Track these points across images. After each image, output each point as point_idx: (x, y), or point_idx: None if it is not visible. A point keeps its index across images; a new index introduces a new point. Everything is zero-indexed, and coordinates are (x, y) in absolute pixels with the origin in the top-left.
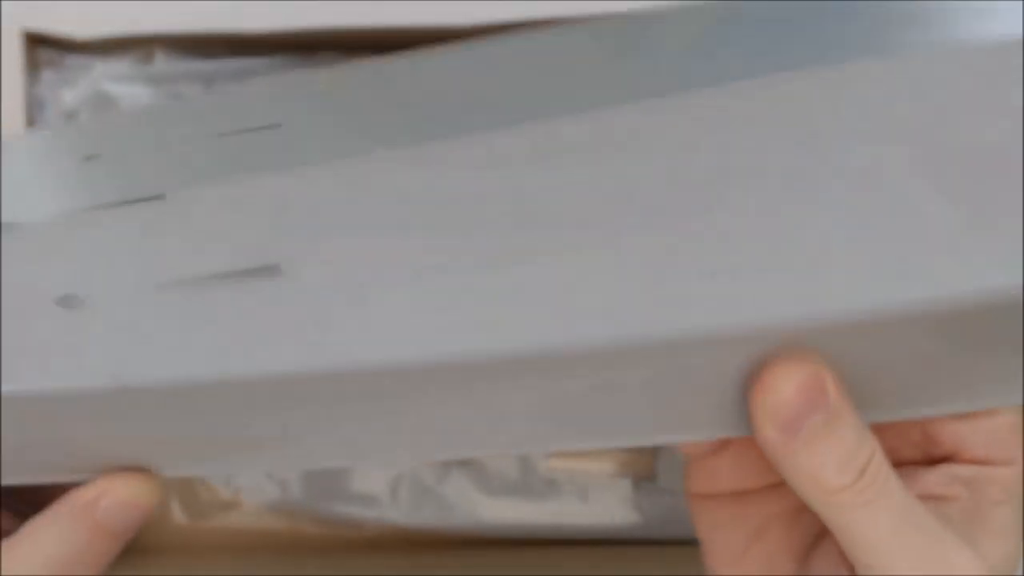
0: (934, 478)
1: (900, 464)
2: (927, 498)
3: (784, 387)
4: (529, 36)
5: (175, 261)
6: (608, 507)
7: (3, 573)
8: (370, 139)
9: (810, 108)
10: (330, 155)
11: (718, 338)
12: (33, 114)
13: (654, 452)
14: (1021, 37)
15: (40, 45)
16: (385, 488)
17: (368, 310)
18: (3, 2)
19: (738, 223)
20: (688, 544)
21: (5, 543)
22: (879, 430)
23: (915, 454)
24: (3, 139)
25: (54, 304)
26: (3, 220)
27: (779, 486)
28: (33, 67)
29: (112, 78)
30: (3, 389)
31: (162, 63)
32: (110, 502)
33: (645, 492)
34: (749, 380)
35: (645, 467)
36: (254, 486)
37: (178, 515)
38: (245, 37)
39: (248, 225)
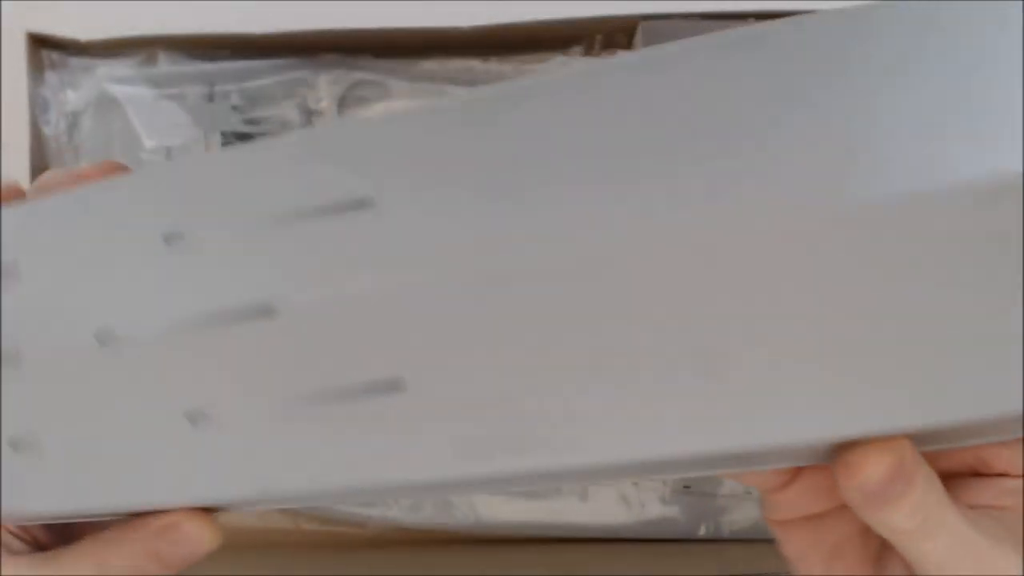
0: (988, 491)
1: (955, 476)
2: (981, 507)
3: (874, 472)
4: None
5: (297, 376)
6: (607, 506)
7: (61, 573)
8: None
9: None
10: (444, 240)
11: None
12: (36, 115)
13: None
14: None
15: (44, 47)
16: None
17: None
18: (7, 4)
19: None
20: (686, 542)
21: (68, 548)
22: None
23: (968, 470)
24: (72, 196)
25: (183, 418)
26: (101, 327)
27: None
28: (37, 69)
29: (115, 80)
30: (135, 504)
31: (165, 64)
32: (179, 536)
33: (644, 491)
34: (833, 446)
35: None
36: None
37: None
38: (247, 39)
39: (364, 337)
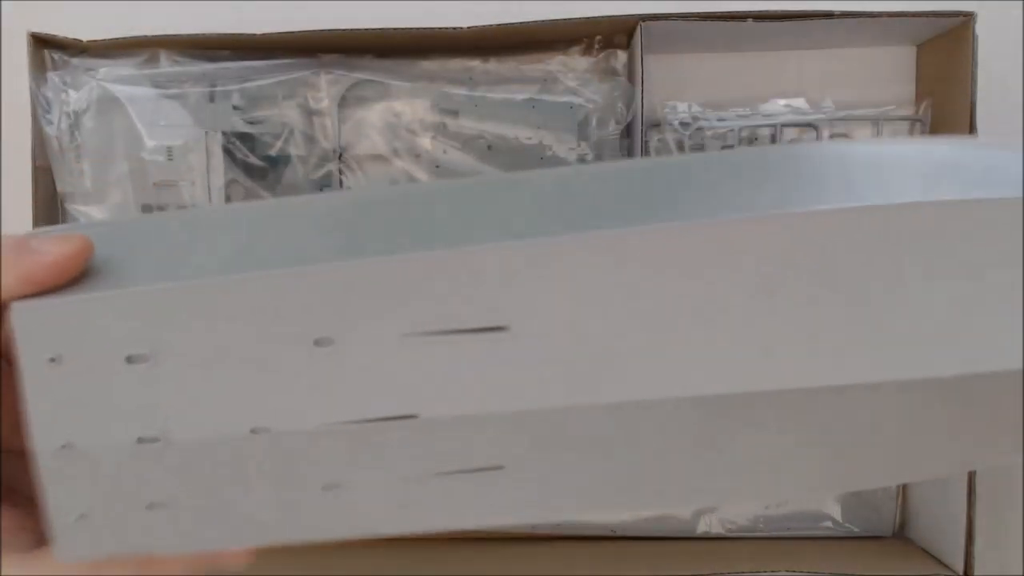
0: None
1: None
2: None
3: None
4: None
5: (426, 462)
6: None
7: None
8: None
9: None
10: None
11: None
12: (39, 114)
13: None
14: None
15: (46, 47)
16: None
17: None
18: (9, 4)
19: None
20: (686, 540)
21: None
22: None
23: None
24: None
25: (321, 490)
26: (256, 421)
27: None
28: (39, 69)
29: (117, 79)
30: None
31: (166, 65)
32: None
33: None
34: None
35: None
36: None
37: None
38: (248, 39)
39: (481, 441)
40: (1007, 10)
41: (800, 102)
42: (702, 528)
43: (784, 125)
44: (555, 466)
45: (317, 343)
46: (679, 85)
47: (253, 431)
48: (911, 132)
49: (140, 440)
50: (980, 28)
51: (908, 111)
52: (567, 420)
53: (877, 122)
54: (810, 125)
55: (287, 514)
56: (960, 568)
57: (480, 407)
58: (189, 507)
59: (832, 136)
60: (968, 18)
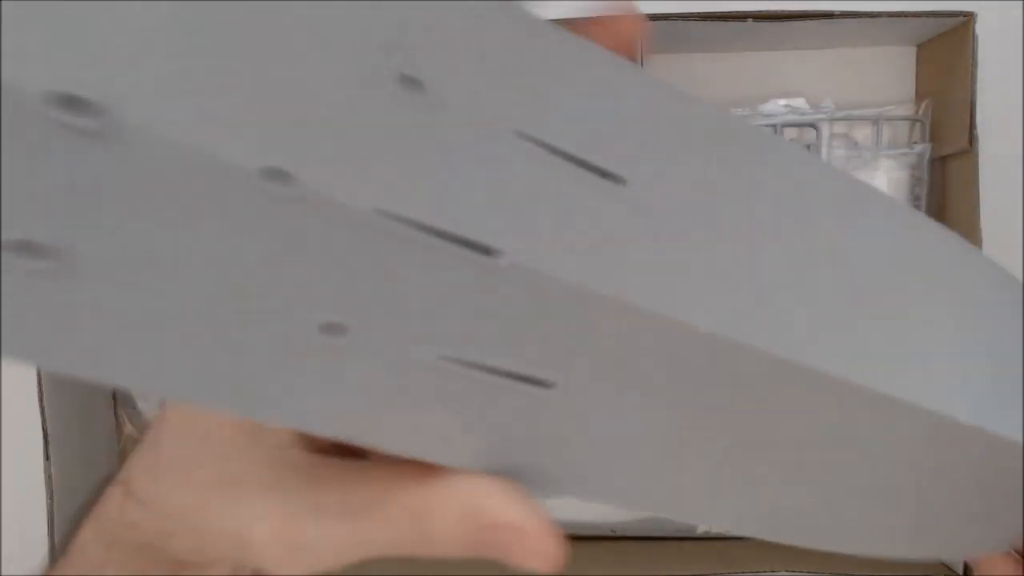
0: None
1: None
2: None
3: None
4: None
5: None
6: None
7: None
8: None
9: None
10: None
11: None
12: None
13: None
14: None
15: None
16: None
17: None
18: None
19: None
20: (685, 540)
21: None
22: None
23: None
24: None
25: None
26: None
27: None
28: None
29: None
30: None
31: None
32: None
33: None
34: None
35: None
36: None
37: None
38: None
39: None
40: (1007, 10)
41: (800, 102)
42: (702, 528)
43: (784, 125)
44: (617, 410)
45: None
46: (679, 85)
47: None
48: (911, 132)
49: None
50: (980, 28)
51: (908, 111)
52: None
53: (877, 122)
54: (810, 125)
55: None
56: (960, 568)
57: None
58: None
59: (832, 136)
60: (968, 18)
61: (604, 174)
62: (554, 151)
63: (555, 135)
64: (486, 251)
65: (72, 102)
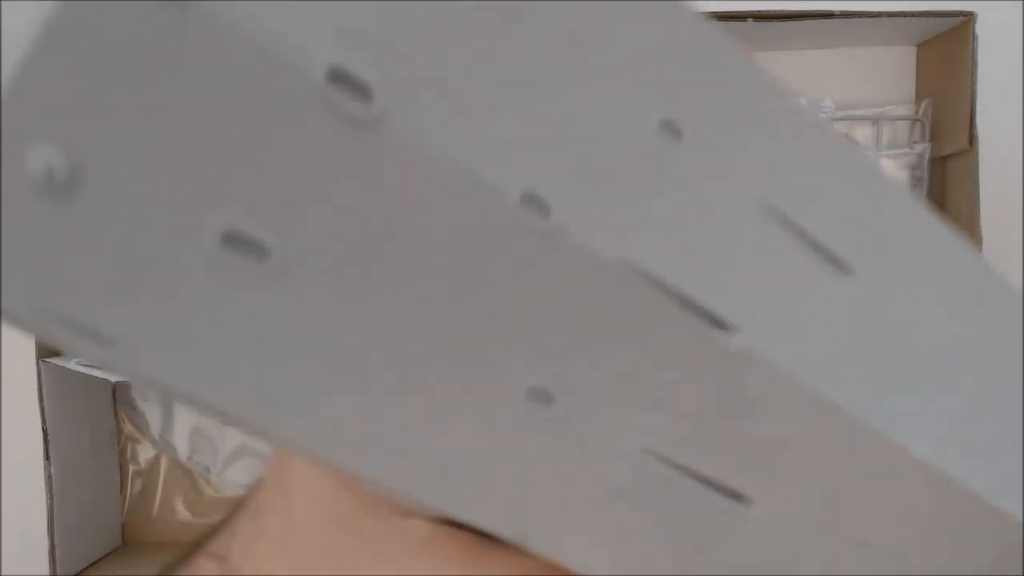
0: None
1: None
2: None
3: None
4: None
5: None
6: None
7: None
8: None
9: None
10: None
11: None
12: None
13: None
14: None
15: None
16: None
17: None
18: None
19: None
20: None
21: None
22: None
23: None
24: None
25: None
26: None
27: None
28: None
29: None
30: None
31: None
32: None
33: None
34: None
35: None
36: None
37: (182, 512)
38: None
39: None
40: (1007, 10)
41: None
42: None
43: None
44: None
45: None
46: None
47: None
48: (911, 132)
49: None
50: (980, 28)
51: (908, 111)
52: None
53: (877, 122)
54: None
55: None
56: None
57: None
58: None
59: None
60: (968, 18)
61: (837, 262)
62: (792, 228)
63: (796, 210)
64: (721, 325)
65: (348, 81)
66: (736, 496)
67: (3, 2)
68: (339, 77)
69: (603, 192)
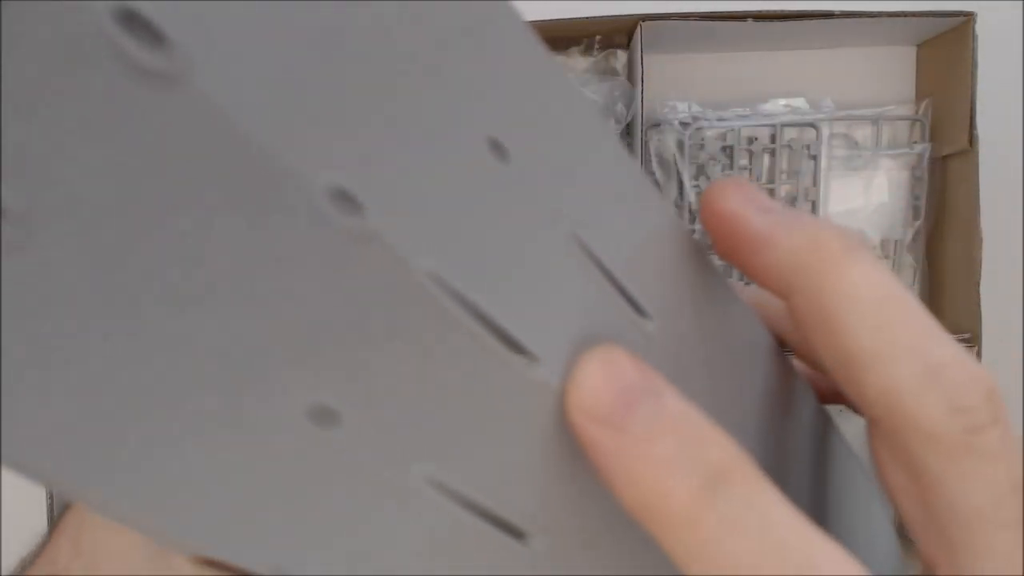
0: None
1: None
2: None
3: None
4: None
5: None
6: None
7: None
8: None
9: None
10: None
11: None
12: None
13: None
14: None
15: None
16: None
17: None
18: None
19: None
20: None
21: None
22: None
23: None
24: None
25: None
26: None
27: None
28: None
29: None
30: None
31: None
32: None
33: None
34: None
35: None
36: None
37: None
38: None
39: None
40: (1007, 10)
41: (800, 102)
42: None
43: (784, 125)
44: None
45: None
46: (679, 85)
47: None
48: (911, 132)
49: None
50: (980, 28)
51: (908, 111)
52: None
53: (877, 122)
54: (810, 125)
55: None
56: None
57: None
58: None
59: (832, 136)
60: (968, 18)
61: (636, 307)
62: (600, 267)
63: (603, 249)
64: (522, 352)
65: (139, 24)
66: (516, 532)
67: (3, 2)
68: (130, 18)
69: (421, 202)
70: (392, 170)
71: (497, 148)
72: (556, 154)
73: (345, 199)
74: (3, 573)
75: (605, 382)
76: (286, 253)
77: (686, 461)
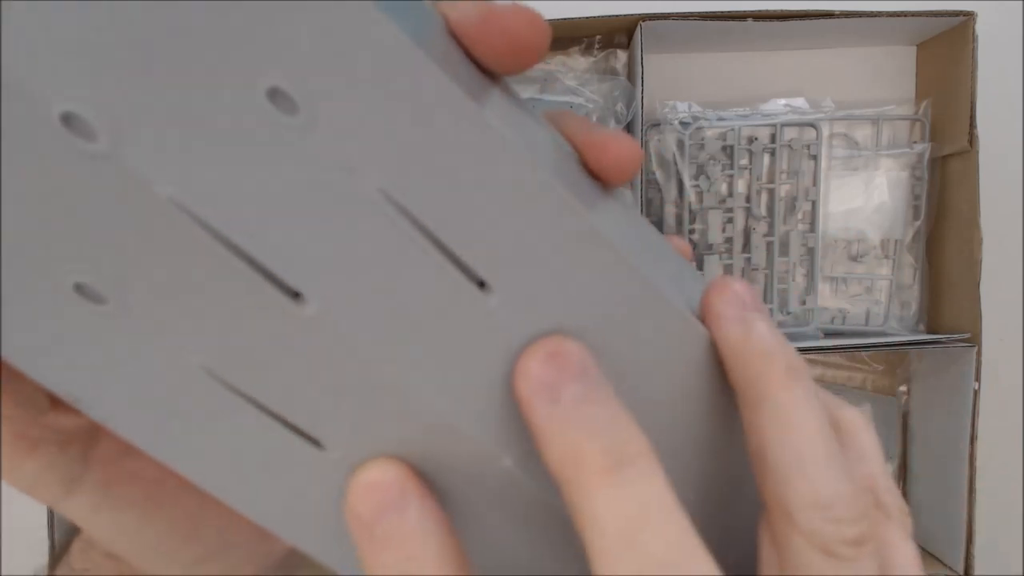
0: None
1: None
2: None
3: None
4: None
5: None
6: None
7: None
8: None
9: None
10: None
11: None
12: None
13: None
14: None
15: None
16: None
17: None
18: None
19: None
20: None
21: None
22: None
23: None
24: None
25: None
26: None
27: None
28: None
29: None
30: None
31: None
32: None
33: None
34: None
35: None
36: None
37: None
38: None
39: None
40: (1008, 10)
41: (800, 101)
42: None
43: (784, 124)
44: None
45: None
46: (679, 85)
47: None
48: (911, 131)
49: None
50: (980, 28)
51: (908, 110)
52: None
53: (877, 121)
54: (810, 124)
55: None
56: (960, 568)
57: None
58: None
59: (832, 135)
60: (968, 18)
61: (466, 271)
62: (417, 225)
63: (421, 207)
64: (292, 294)
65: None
66: (312, 439)
67: (2, 2)
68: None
69: (175, 134)
70: (141, 102)
71: (280, 96)
72: (359, 106)
73: (78, 124)
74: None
75: (553, 361)
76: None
77: (603, 438)
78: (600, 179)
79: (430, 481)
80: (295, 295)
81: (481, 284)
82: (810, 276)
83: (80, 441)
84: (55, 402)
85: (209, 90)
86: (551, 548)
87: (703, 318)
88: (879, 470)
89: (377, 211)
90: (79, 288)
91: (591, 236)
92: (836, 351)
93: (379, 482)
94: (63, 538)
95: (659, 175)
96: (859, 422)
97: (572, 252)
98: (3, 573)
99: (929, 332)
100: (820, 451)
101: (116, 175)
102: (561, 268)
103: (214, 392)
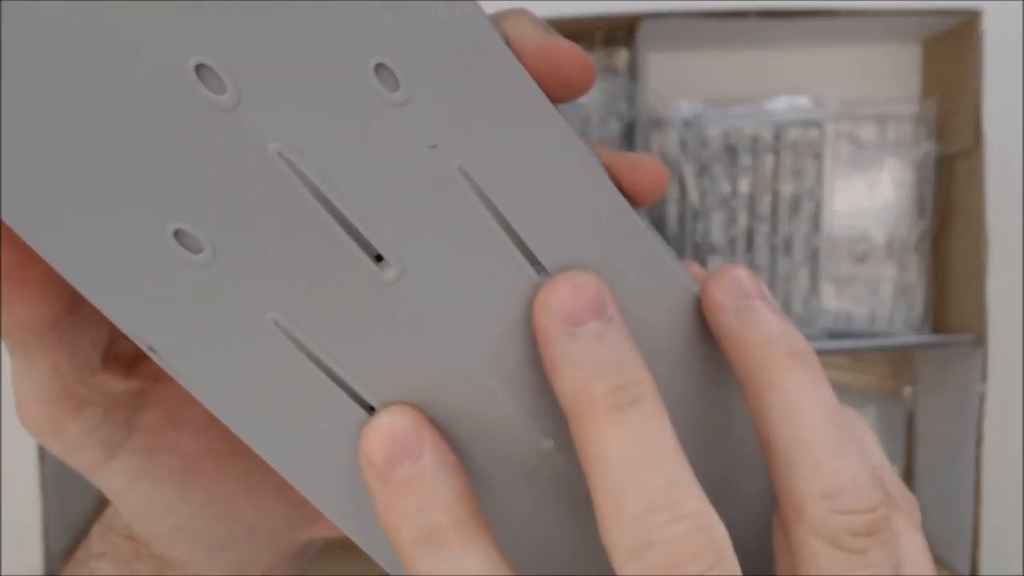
0: None
1: None
2: None
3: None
4: None
5: None
6: None
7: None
8: None
9: None
10: None
11: None
12: None
13: None
14: None
15: None
16: None
17: None
18: None
19: None
20: None
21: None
22: None
23: None
24: None
25: None
26: None
27: None
28: None
29: None
30: None
31: None
32: None
33: None
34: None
35: None
36: None
37: None
38: None
39: None
40: (1014, 8)
41: (804, 100)
42: None
43: (788, 123)
44: None
45: None
46: (681, 83)
47: None
48: (917, 130)
49: None
50: (987, 25)
51: (914, 109)
52: None
53: (882, 120)
54: (814, 123)
55: None
56: (967, 570)
57: None
58: None
59: (837, 134)
60: (975, 15)
61: (530, 257)
62: (491, 207)
63: (497, 191)
64: (376, 256)
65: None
66: (364, 403)
67: (2, 2)
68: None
69: (290, 96)
70: (273, 68)
71: (386, 73)
72: (450, 91)
73: (210, 75)
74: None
75: (574, 295)
76: (164, 116)
77: (612, 376)
78: (628, 196)
79: (466, 458)
80: (378, 258)
81: (537, 266)
82: (814, 277)
83: (125, 407)
84: (106, 364)
85: (326, 58)
86: (580, 531)
87: (703, 310)
88: (883, 462)
89: (454, 187)
90: (178, 235)
91: (639, 235)
92: (840, 352)
93: (394, 427)
94: (62, 540)
95: None
96: (855, 416)
97: (621, 247)
98: (3, 573)
99: (934, 333)
100: (829, 436)
101: (233, 128)
102: (605, 258)
103: (279, 346)
